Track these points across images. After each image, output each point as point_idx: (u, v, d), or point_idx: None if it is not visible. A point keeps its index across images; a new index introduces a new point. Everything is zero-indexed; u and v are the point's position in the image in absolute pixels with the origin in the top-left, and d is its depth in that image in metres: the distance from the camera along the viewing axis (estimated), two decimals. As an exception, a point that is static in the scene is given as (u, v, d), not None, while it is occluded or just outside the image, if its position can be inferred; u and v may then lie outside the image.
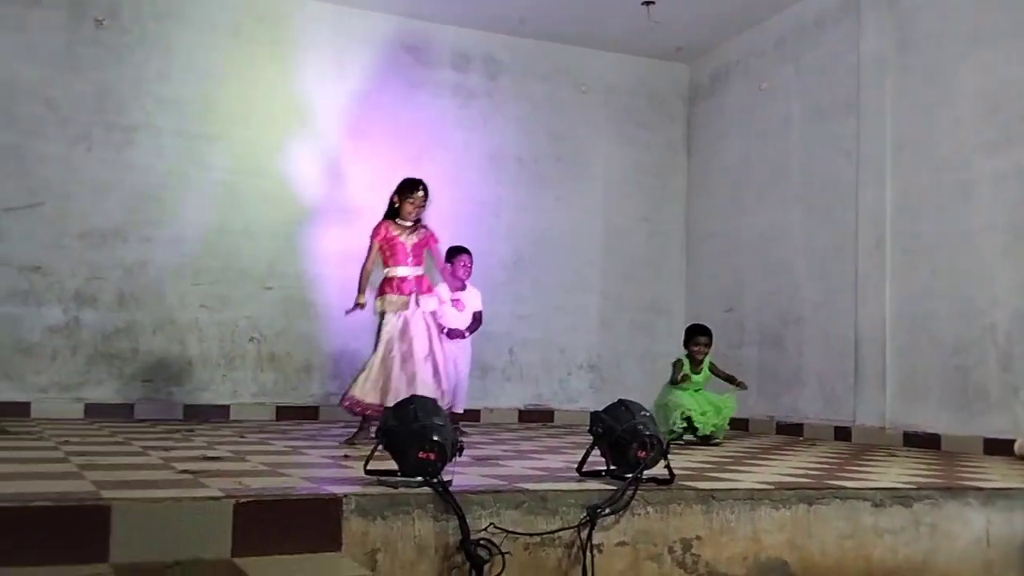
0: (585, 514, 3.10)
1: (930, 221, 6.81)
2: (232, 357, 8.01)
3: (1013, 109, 6.24)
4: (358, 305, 5.72)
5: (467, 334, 6.82)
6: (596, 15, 8.59)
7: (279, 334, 8.17)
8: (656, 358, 9.47)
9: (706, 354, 6.63)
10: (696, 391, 6.50)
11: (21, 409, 7.20)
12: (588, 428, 3.65)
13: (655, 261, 9.58)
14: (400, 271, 5.71)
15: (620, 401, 3.68)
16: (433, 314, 5.88)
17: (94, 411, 7.45)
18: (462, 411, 6.98)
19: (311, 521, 2.80)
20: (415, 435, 3.12)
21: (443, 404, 5.45)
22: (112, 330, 7.66)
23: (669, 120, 9.77)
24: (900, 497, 3.64)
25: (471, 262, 6.82)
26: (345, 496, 2.85)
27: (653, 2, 8.21)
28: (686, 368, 6.53)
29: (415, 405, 3.29)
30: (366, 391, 5.50)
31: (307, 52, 8.41)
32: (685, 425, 6.27)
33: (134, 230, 7.77)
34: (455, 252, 6.76)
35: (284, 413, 8.01)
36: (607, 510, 3.12)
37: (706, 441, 6.27)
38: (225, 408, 7.87)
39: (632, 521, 3.19)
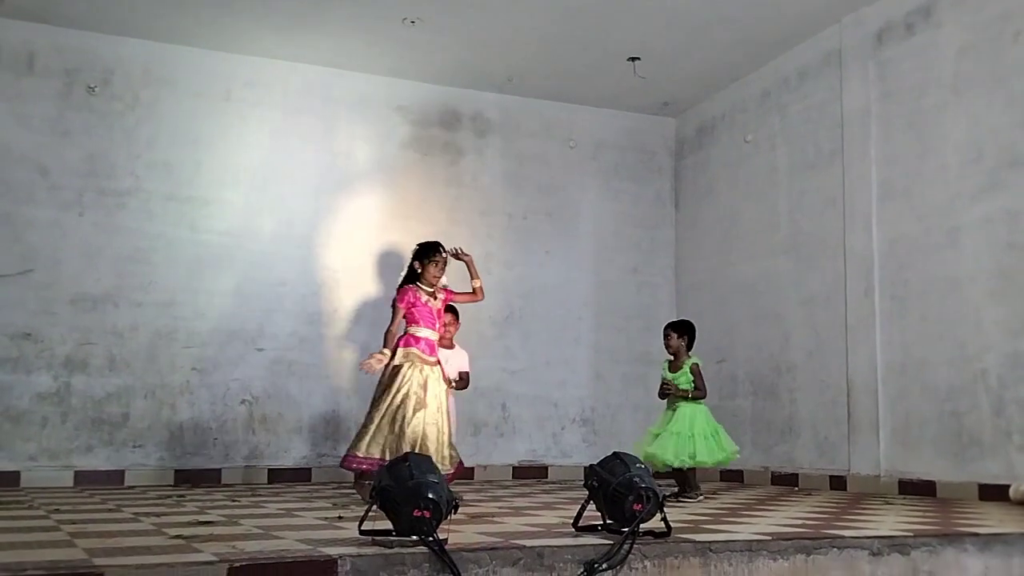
0: (582, 569, 3.08)
1: (918, 268, 6.86)
2: (223, 420, 7.96)
3: (996, 156, 6.31)
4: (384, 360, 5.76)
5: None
6: (583, 72, 8.71)
7: (271, 396, 8.13)
8: (650, 410, 9.43)
9: (678, 348, 6.46)
10: (674, 410, 6.34)
11: (10, 478, 7.13)
12: (583, 482, 3.63)
13: (645, 313, 9.59)
14: (424, 332, 5.80)
15: (615, 454, 3.67)
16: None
17: (84, 478, 7.39)
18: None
19: (306, 583, 2.77)
20: (410, 493, 3.11)
21: (444, 466, 5.54)
22: (103, 396, 7.62)
23: (657, 173, 9.86)
24: (898, 545, 3.62)
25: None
26: (340, 557, 2.83)
27: (639, 58, 8.34)
28: (664, 371, 6.47)
29: (410, 463, 3.27)
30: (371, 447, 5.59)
31: (296, 114, 8.49)
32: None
33: (125, 294, 7.77)
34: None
35: (276, 475, 7.94)
36: (604, 565, 3.09)
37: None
38: (217, 472, 7.81)
39: (629, 575, 3.17)
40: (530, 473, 8.86)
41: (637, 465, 3.57)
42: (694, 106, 9.55)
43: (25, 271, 7.50)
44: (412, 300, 5.88)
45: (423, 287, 5.92)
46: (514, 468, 8.85)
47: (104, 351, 7.66)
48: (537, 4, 7.38)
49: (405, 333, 5.92)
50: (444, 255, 5.97)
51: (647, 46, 8.13)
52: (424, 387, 5.73)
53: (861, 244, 7.33)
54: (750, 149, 8.75)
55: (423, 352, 5.82)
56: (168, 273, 7.92)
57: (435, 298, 5.96)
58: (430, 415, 5.69)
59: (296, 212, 8.37)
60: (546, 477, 8.85)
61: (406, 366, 5.76)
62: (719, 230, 9.14)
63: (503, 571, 3.00)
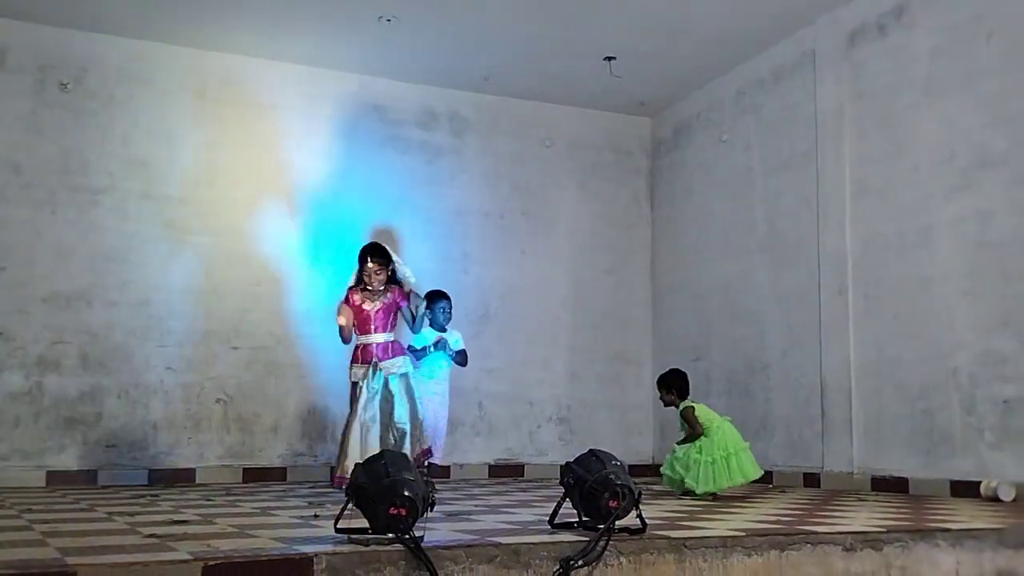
0: (558, 566, 3.08)
1: (891, 267, 6.92)
2: (198, 419, 7.92)
3: (969, 156, 6.37)
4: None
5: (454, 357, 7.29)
6: (559, 71, 8.72)
7: (246, 395, 8.10)
8: (625, 409, 9.49)
9: (671, 402, 6.69)
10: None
11: (-18, 478, 7.08)
12: (559, 480, 3.64)
13: (622, 312, 9.63)
14: (363, 339, 5.79)
15: (591, 451, 3.68)
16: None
17: (57, 478, 7.33)
18: (438, 461, 7.08)
19: (281, 581, 2.76)
20: (385, 491, 3.10)
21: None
22: (76, 395, 7.56)
23: (633, 173, 9.89)
24: (870, 541, 3.65)
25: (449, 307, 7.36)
26: (316, 555, 2.82)
27: (614, 58, 8.36)
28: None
29: (385, 460, 3.27)
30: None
31: (272, 112, 8.46)
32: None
33: (99, 293, 7.71)
34: (433, 297, 7.24)
35: (251, 475, 7.90)
36: (580, 562, 3.10)
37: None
38: (191, 471, 7.77)
39: (605, 572, 3.17)
40: (506, 471, 8.87)
41: (613, 462, 3.58)
42: (670, 106, 9.59)
43: (-3, 269, 7.44)
44: (352, 302, 5.99)
45: (365, 289, 6.04)
46: (490, 466, 8.85)
47: (77, 350, 7.60)
48: (513, 3, 7.38)
49: (353, 345, 5.99)
50: (371, 265, 6.04)
51: (623, 46, 8.15)
52: (370, 401, 5.87)
53: (835, 243, 7.38)
54: (725, 149, 8.79)
55: (361, 362, 5.95)
56: (142, 272, 7.87)
57: (372, 300, 6.02)
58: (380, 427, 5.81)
59: (271, 211, 8.33)
60: (522, 475, 8.86)
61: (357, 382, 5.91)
62: (695, 230, 9.18)
63: (479, 568, 3.01)
